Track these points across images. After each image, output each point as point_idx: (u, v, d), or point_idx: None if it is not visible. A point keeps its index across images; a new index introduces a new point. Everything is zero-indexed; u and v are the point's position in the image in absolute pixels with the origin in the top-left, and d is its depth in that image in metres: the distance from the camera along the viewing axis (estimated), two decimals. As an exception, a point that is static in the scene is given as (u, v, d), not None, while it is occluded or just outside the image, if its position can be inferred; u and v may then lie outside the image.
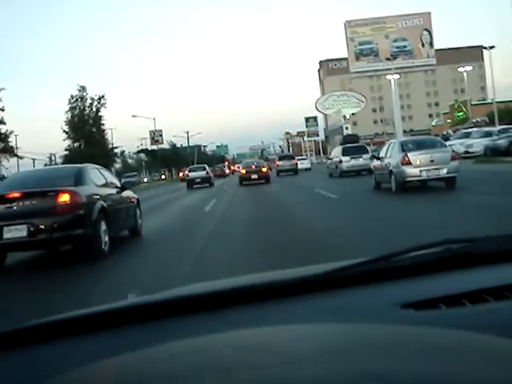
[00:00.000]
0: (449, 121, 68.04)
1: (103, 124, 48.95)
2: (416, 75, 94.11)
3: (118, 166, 56.26)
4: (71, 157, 43.65)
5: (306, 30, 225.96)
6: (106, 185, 9.39)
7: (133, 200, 10.70)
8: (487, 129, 33.26)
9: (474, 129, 35.27)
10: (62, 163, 43.94)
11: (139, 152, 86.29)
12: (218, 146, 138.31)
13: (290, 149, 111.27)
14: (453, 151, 15.48)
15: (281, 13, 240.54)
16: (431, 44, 50.77)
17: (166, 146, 79.09)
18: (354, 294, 1.17)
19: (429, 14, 51.17)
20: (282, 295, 1.15)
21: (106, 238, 8.24)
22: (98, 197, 8.43)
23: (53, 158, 48.73)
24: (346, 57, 53.54)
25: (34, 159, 58.33)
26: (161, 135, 71.47)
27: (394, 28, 50.50)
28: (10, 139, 43.92)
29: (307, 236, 8.50)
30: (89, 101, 47.45)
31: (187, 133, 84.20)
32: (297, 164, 40.04)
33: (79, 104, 47.29)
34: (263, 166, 31.28)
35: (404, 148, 14.77)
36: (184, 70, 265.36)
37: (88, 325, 1.08)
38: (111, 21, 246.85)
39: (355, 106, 59.04)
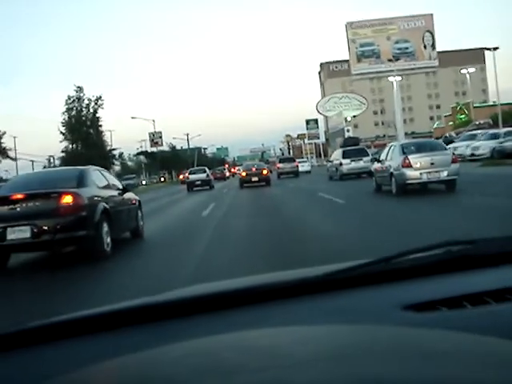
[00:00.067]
0: (451, 123, 67.98)
1: (101, 125, 48.14)
2: (417, 77, 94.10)
3: (117, 168, 55.33)
4: (68, 159, 43.00)
5: (307, 32, 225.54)
6: (107, 187, 9.46)
7: (134, 202, 10.76)
8: (493, 131, 32.41)
9: (479, 131, 34.46)
10: (59, 165, 43.20)
11: (138, 154, 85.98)
12: (218, 149, 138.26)
13: (291, 151, 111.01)
14: (453, 154, 15.51)
15: (281, 15, 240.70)
16: (433, 46, 50.58)
17: (165, 148, 78.74)
18: (355, 295, 1.17)
19: (431, 15, 50.99)
20: (283, 296, 1.15)
21: (108, 240, 8.29)
22: (100, 198, 8.50)
23: (51, 159, 47.85)
24: (347, 59, 53.34)
25: (32, 161, 58.33)
26: (160, 137, 71.01)
27: (395, 30, 50.30)
28: (2, 140, 44.05)
29: (324, 254, 6.87)
30: (86, 102, 46.56)
31: (187, 135, 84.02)
32: (297, 166, 40.02)
33: (76, 105, 46.40)
34: (264, 169, 31.28)
35: (405, 151, 14.84)
36: (184, 72, 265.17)
37: (90, 326, 1.09)
38: (110, 21, 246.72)
39: (356, 108, 58.93)
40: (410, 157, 14.32)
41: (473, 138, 31.52)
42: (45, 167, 44.22)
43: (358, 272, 1.23)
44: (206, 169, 37.99)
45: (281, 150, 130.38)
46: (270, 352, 0.77)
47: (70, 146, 45.92)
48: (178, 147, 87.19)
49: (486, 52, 54.12)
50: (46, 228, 7.49)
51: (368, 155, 27.35)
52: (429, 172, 14.08)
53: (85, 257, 8.04)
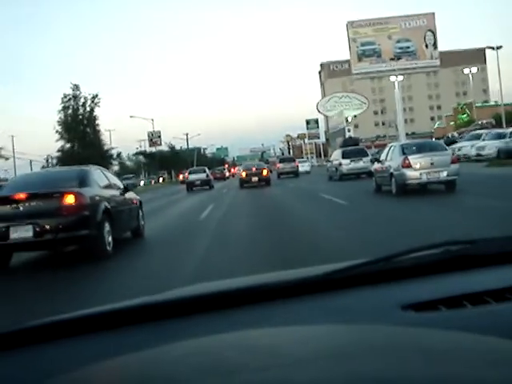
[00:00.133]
0: (452, 123, 67.96)
1: (98, 124, 46.65)
2: (418, 78, 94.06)
3: (115, 168, 54.07)
4: (64, 158, 41.97)
5: (307, 31, 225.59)
6: (109, 186, 9.52)
7: (135, 201, 10.82)
8: (499, 130, 31.69)
9: (484, 130, 33.63)
10: (55, 165, 41.91)
11: (137, 154, 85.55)
12: (217, 149, 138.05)
13: (291, 151, 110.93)
14: (453, 154, 15.55)
15: (281, 15, 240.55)
16: (435, 45, 50.31)
17: (164, 148, 78.11)
18: (355, 295, 1.17)
19: (432, 14, 50.69)
20: (283, 296, 1.15)
21: (110, 239, 8.35)
22: (101, 198, 8.56)
23: (49, 159, 46.61)
24: (347, 59, 53.18)
25: (30, 161, 58.09)
26: (159, 137, 70.41)
27: (396, 29, 50.04)
28: None
29: (328, 257, 6.38)
30: (82, 100, 44.95)
31: (186, 135, 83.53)
32: (298, 166, 40.05)
33: (72, 103, 44.79)
34: (264, 169, 31.30)
35: (404, 151, 14.91)
36: (184, 72, 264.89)
37: (91, 325, 1.09)
38: (109, 21, 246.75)
39: (357, 107, 58.79)
40: (409, 157, 14.39)
41: (477, 137, 30.80)
42: (43, 167, 43.33)
43: (358, 271, 1.23)
44: (206, 169, 37.97)
45: (281, 149, 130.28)
46: (271, 351, 0.78)
47: (67, 146, 44.62)
48: (178, 147, 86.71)
49: (488, 52, 54.01)
50: (49, 227, 7.55)
51: (367, 155, 27.43)
52: (428, 172, 14.14)
53: (86, 256, 8.09)
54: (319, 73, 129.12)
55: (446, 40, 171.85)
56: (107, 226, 8.28)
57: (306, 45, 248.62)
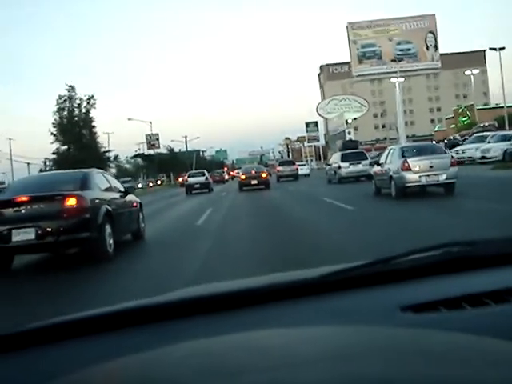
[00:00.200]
0: (452, 126, 67.88)
1: (94, 126, 45.36)
2: (418, 80, 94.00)
3: (112, 170, 52.89)
4: (59, 161, 41.10)
5: (306, 34, 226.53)
6: (110, 189, 9.58)
7: (136, 204, 10.88)
8: (504, 132, 30.77)
9: (489, 133, 32.67)
10: (51, 167, 40.91)
11: (136, 156, 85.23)
12: (217, 151, 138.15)
13: (290, 154, 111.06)
14: (452, 157, 15.57)
15: (280, 17, 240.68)
16: (436, 47, 50.21)
17: (163, 150, 77.86)
18: (354, 296, 1.17)
19: (433, 16, 50.60)
20: (283, 298, 1.15)
21: (111, 241, 8.41)
22: (103, 201, 8.61)
23: (47, 162, 45.59)
24: (346, 61, 53.24)
25: (28, 163, 57.88)
26: (157, 139, 70.13)
27: (397, 30, 49.92)
28: None
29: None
30: (78, 101, 43.65)
31: (185, 137, 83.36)
32: (297, 170, 40.03)
33: (68, 105, 43.55)
34: (263, 172, 31.27)
35: (404, 154, 14.98)
36: (183, 74, 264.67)
37: (93, 326, 1.09)
38: (107, 23, 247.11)
39: (357, 110, 58.67)
40: (409, 160, 14.44)
41: (482, 140, 29.93)
42: (41, 170, 42.59)
43: (357, 273, 1.23)
44: (205, 172, 37.94)
45: (280, 152, 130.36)
46: (272, 353, 0.78)
47: (62, 148, 43.45)
48: (177, 150, 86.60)
49: (489, 54, 54.00)
50: (50, 230, 7.59)
51: (367, 158, 27.43)
52: (428, 175, 14.20)
53: (88, 258, 8.13)
54: (318, 75, 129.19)
55: (445, 42, 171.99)
56: (108, 229, 8.33)
57: (306, 47, 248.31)
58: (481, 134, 34.26)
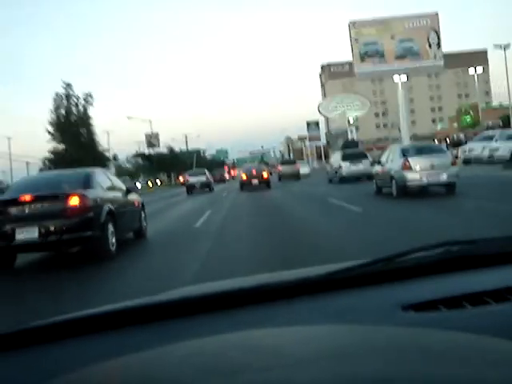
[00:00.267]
0: (455, 125, 67.69)
1: (92, 125, 44.52)
2: (419, 79, 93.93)
3: (113, 170, 51.96)
4: (56, 160, 40.53)
5: (307, 33, 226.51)
6: (112, 188, 9.62)
7: (137, 203, 10.93)
8: (511, 132, 29.68)
9: (497, 131, 31.33)
10: (48, 167, 40.29)
11: (136, 156, 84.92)
12: (217, 151, 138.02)
13: (291, 154, 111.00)
14: (454, 157, 15.60)
15: (281, 16, 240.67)
16: (439, 45, 50.04)
17: (163, 150, 77.26)
18: (356, 295, 1.17)
19: (436, 14, 50.34)
20: (285, 296, 1.16)
21: (113, 240, 8.46)
22: (105, 200, 8.65)
23: (46, 161, 44.93)
24: (348, 60, 53.07)
25: (27, 163, 57.70)
26: (157, 138, 70.03)
27: (400, 28, 49.84)
28: None
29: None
30: (75, 99, 42.95)
31: (185, 136, 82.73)
32: (299, 169, 40.06)
33: (65, 102, 42.83)
34: (264, 171, 31.14)
35: (405, 153, 15.01)
36: (183, 73, 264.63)
37: (94, 325, 1.09)
38: (107, 22, 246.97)
39: (359, 108, 58.39)
40: (410, 159, 14.48)
41: (489, 139, 28.63)
42: (41, 170, 42.17)
43: (358, 272, 1.24)
44: (206, 171, 37.82)
45: (280, 152, 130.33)
46: (273, 351, 0.78)
47: (59, 147, 42.80)
48: (177, 149, 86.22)
49: (491, 53, 53.88)
50: (53, 229, 7.65)
51: (367, 158, 27.42)
52: (429, 174, 14.23)
53: (90, 257, 8.18)
54: (320, 75, 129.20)
55: (447, 42, 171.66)
56: (111, 227, 8.38)
57: (307, 46, 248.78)
58: (490, 132, 32.47)
